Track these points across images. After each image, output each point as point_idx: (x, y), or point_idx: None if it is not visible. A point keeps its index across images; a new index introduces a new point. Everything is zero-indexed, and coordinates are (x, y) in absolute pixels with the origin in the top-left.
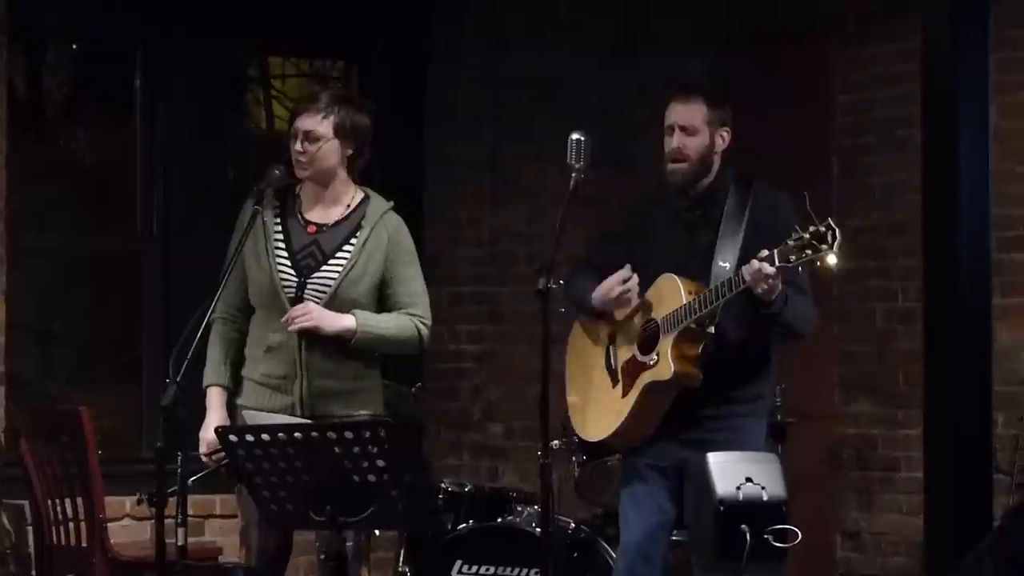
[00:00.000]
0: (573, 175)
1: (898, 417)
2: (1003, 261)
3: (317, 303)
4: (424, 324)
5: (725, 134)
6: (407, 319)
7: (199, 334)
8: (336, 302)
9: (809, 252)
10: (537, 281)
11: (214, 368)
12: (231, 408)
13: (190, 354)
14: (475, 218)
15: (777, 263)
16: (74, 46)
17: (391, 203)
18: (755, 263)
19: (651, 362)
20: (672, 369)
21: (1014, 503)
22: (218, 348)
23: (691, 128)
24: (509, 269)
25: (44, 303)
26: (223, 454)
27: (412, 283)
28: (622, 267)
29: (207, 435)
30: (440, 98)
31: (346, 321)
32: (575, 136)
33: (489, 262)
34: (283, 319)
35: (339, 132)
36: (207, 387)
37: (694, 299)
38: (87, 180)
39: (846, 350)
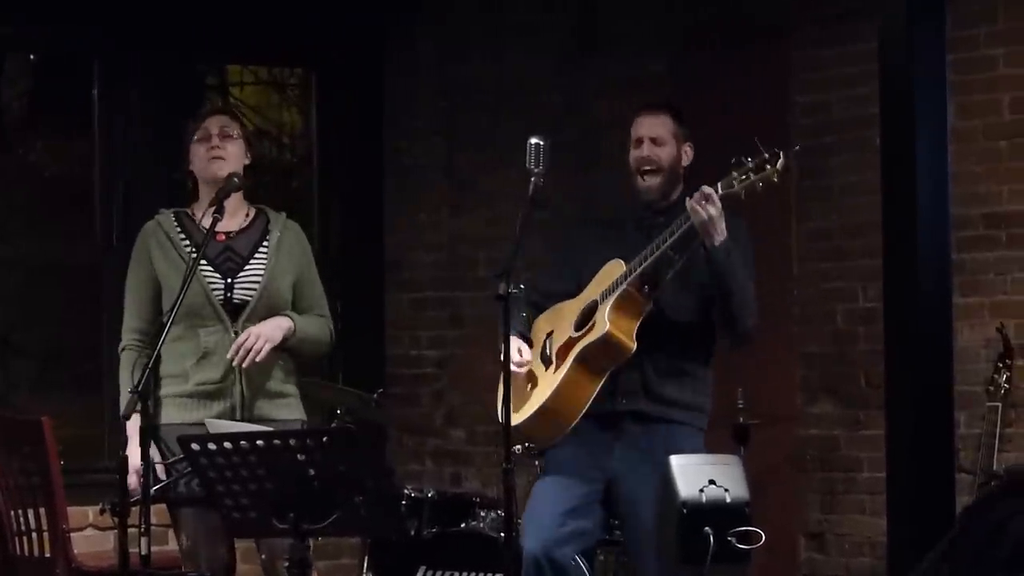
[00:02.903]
0: (532, 179)
1: (860, 418)
2: (963, 261)
3: (247, 301)
4: (331, 326)
5: (688, 149)
6: (323, 321)
7: (159, 344)
8: (267, 295)
9: (752, 175)
10: (497, 286)
11: (132, 397)
12: (153, 431)
13: (150, 363)
14: (435, 223)
15: (721, 191)
16: (32, 56)
17: (284, 212)
18: (698, 192)
19: (585, 331)
20: (607, 326)
21: (970, 503)
22: (133, 375)
23: (660, 139)
24: (469, 274)
25: (4, 313)
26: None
27: (318, 286)
28: (568, 292)
29: (135, 462)
30: (398, 103)
31: (285, 326)
32: (533, 140)
33: (449, 267)
34: (233, 357)
35: (245, 135)
36: (126, 416)
37: (632, 261)
38: (46, 190)
39: (807, 351)
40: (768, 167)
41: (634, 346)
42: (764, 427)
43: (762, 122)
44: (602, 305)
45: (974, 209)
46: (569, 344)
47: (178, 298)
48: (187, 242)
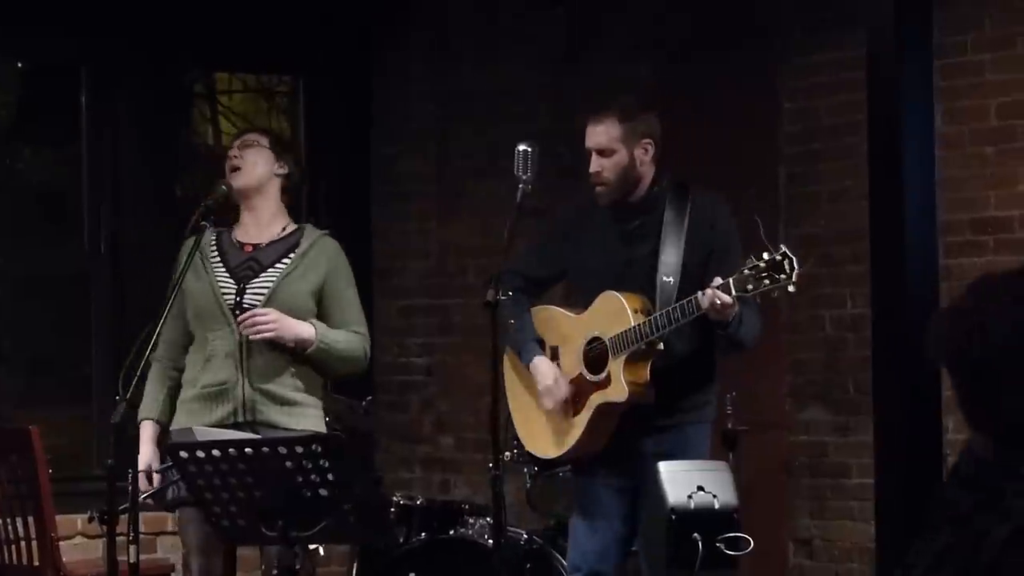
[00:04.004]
0: (520, 186)
1: (849, 424)
2: (950, 267)
3: (255, 305)
4: (368, 345)
5: (648, 146)
6: (357, 337)
7: (148, 351)
8: (275, 301)
9: (767, 282)
10: (486, 293)
11: (150, 403)
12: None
13: (140, 371)
14: (424, 231)
15: (734, 293)
16: (19, 64)
17: (327, 231)
18: (711, 293)
19: (602, 382)
20: (627, 392)
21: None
22: (155, 384)
23: (606, 150)
24: (458, 281)
25: None
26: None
27: (353, 302)
28: (554, 277)
29: (142, 465)
30: (387, 111)
31: (305, 331)
32: (521, 147)
33: (438, 274)
34: (242, 319)
35: (273, 145)
36: (141, 421)
37: (645, 323)
38: (34, 198)
39: (796, 358)
40: (783, 276)
41: (653, 395)
42: (753, 433)
43: (750, 129)
44: (614, 360)
45: (961, 215)
46: (584, 387)
47: (169, 299)
48: (216, 258)
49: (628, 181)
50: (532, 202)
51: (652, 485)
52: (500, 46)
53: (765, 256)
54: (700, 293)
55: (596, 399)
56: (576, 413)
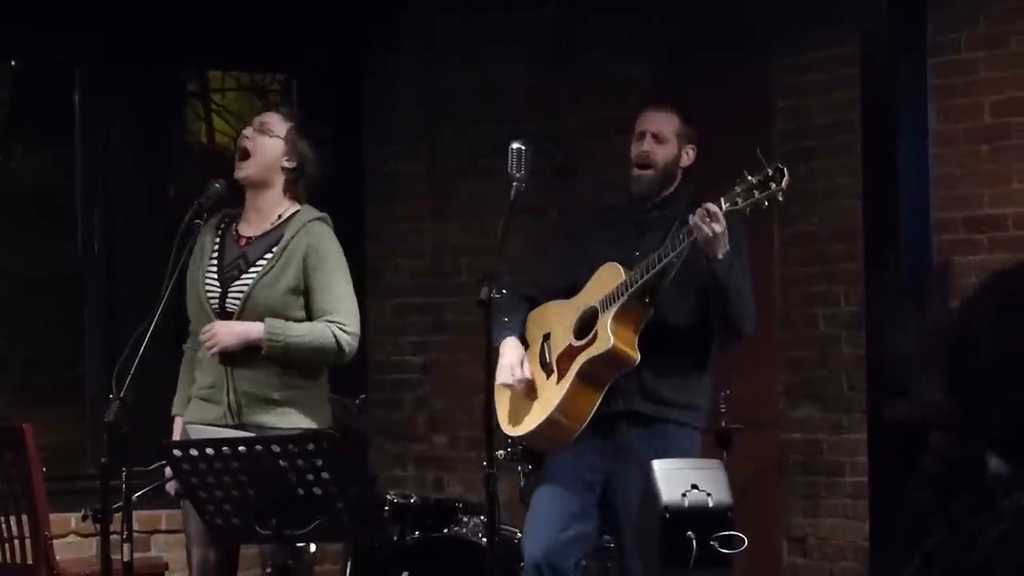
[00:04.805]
0: (514, 184)
1: (843, 422)
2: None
3: (233, 311)
4: (343, 330)
5: (691, 151)
6: (323, 325)
7: (141, 350)
8: (249, 307)
9: (756, 193)
10: (479, 291)
11: (180, 398)
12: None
13: (133, 370)
14: (417, 230)
15: (724, 207)
16: (13, 63)
17: (322, 214)
18: (700, 210)
19: (587, 343)
20: (611, 341)
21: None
22: (185, 377)
23: (661, 136)
24: (451, 280)
25: None
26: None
27: (332, 289)
28: (563, 285)
29: None
30: (379, 110)
31: (252, 332)
32: (515, 146)
33: (431, 273)
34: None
35: (288, 137)
36: (173, 416)
37: (634, 272)
38: (28, 198)
39: (790, 356)
40: (772, 185)
41: (638, 357)
42: (747, 432)
43: (744, 127)
44: (603, 315)
45: (956, 213)
46: (570, 353)
47: (160, 302)
48: (215, 254)
49: (668, 175)
50: (526, 201)
51: (644, 483)
52: (491, 47)
53: (757, 173)
54: (691, 214)
55: (580, 359)
56: (560, 379)
